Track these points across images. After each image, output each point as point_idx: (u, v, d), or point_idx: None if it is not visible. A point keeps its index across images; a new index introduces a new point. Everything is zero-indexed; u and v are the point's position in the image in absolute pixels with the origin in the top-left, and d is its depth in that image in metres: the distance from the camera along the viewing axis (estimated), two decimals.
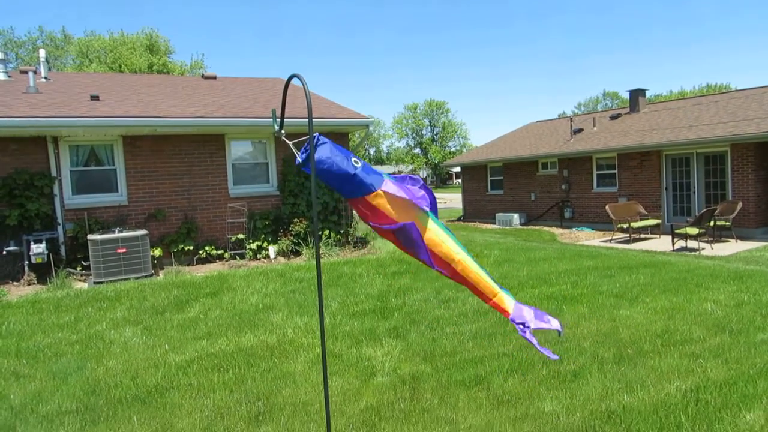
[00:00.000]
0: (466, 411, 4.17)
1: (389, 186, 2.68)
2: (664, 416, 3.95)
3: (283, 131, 2.60)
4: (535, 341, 2.90)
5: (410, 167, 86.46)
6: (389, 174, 2.87)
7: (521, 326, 2.93)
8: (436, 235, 2.95)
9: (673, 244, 13.59)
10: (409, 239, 2.82)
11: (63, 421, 4.27)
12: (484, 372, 4.90)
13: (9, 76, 14.08)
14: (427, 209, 2.96)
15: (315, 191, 2.35)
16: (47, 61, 44.12)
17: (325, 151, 2.44)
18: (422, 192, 2.90)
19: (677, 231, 13.34)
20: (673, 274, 8.91)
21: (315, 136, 2.37)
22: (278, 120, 2.59)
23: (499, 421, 3.97)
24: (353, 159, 2.55)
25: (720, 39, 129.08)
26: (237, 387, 4.81)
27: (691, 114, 18.59)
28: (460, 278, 3.01)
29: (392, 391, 4.59)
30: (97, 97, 12.12)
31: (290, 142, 2.52)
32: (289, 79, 2.33)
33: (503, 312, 2.99)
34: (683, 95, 67.08)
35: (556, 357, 3.04)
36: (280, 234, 12.54)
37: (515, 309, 3.01)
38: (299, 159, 2.48)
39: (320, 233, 12.71)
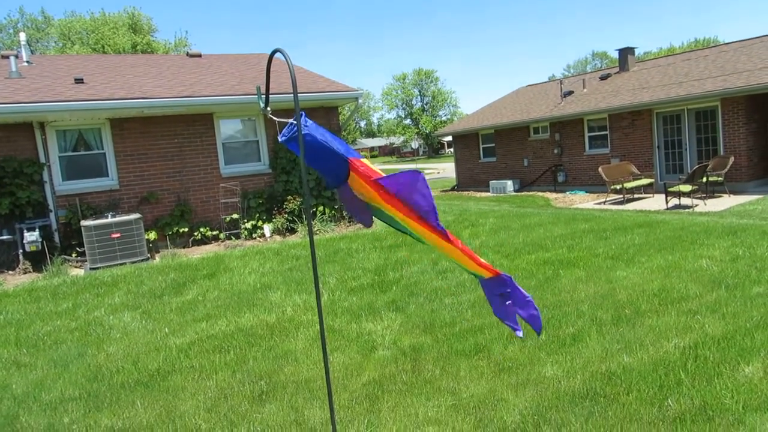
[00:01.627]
0: (468, 380, 4.20)
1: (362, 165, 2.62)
2: (663, 374, 3.99)
3: (268, 108, 2.54)
4: (529, 298, 2.91)
5: (402, 138, 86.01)
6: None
7: (507, 291, 2.88)
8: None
9: (667, 203, 13.63)
10: (419, 191, 2.58)
11: (66, 408, 4.29)
12: (484, 340, 4.93)
13: None
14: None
15: (305, 169, 2.30)
16: (29, 44, 43.11)
17: (314, 131, 2.39)
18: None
19: (670, 189, 13.36)
20: (668, 233, 8.94)
21: (302, 113, 2.31)
22: (263, 97, 2.52)
23: (500, 388, 4.01)
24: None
25: None
26: (239, 367, 4.83)
27: (681, 70, 18.47)
28: (456, 243, 2.83)
29: (393, 364, 4.61)
30: (82, 79, 11.91)
31: (277, 120, 2.46)
32: (272, 54, 2.26)
33: (494, 271, 2.89)
34: (672, 51, 66.54)
35: (521, 334, 3.01)
36: (274, 212, 12.49)
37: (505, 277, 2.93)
38: (282, 137, 2.43)
39: (314, 209, 12.67)
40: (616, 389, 3.84)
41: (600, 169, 15.94)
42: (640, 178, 16.31)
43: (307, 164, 2.52)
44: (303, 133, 2.34)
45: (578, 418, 3.53)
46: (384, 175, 2.64)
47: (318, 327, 5.65)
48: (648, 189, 16.45)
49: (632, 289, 6.03)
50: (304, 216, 12.41)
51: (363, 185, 2.61)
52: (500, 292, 2.91)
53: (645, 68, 21.04)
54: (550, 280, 6.71)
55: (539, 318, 2.91)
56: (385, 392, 4.13)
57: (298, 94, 12.32)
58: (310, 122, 2.46)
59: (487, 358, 4.56)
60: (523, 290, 2.90)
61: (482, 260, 2.88)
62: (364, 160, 2.65)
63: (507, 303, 2.92)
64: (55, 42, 45.11)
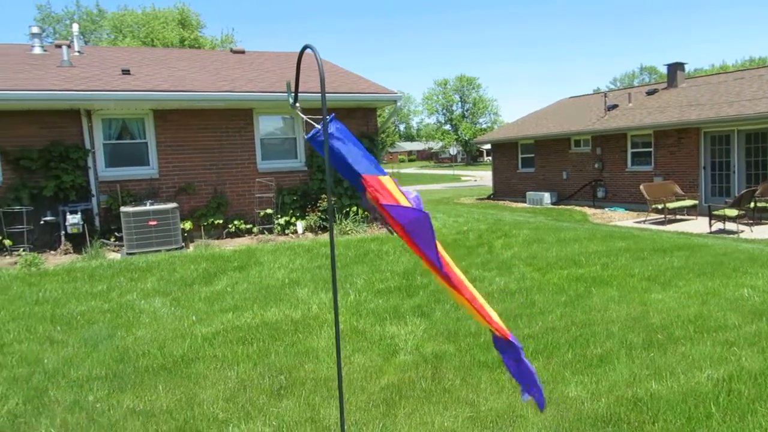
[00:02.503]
0: (488, 393, 4.13)
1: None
2: (693, 406, 3.84)
3: (297, 104, 2.54)
4: (533, 372, 2.71)
5: (440, 144, 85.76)
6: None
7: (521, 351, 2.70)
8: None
9: (711, 226, 13.20)
10: (421, 231, 2.49)
11: (92, 386, 4.38)
12: None
13: (44, 50, 14.29)
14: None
15: (329, 166, 2.29)
16: (83, 35, 44.58)
17: (340, 133, 2.37)
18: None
19: (715, 212, 12.95)
20: (709, 258, 8.65)
21: (331, 116, 2.30)
22: (293, 93, 2.52)
23: (520, 404, 3.92)
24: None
25: (763, 7, 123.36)
26: (260, 360, 4.86)
27: (733, 89, 17.89)
28: (464, 292, 2.65)
29: (414, 369, 4.57)
30: (128, 71, 12.23)
31: (305, 117, 2.46)
32: (302, 50, 2.26)
33: (504, 333, 2.68)
34: (725, 69, 64.58)
35: (542, 406, 2.81)
36: (307, 209, 12.58)
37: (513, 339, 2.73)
38: (311, 132, 2.41)
39: (348, 209, 12.71)
40: (642, 417, 3.71)
41: (642, 187, 15.56)
42: (684, 199, 15.86)
43: (332, 165, 2.50)
44: (333, 130, 2.32)
45: None
46: (394, 197, 2.54)
47: (342, 326, 5.65)
48: (691, 211, 15.97)
49: (667, 314, 5.84)
50: (337, 215, 12.47)
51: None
52: (512, 357, 2.75)
53: (695, 85, 20.47)
54: (581, 297, 6.56)
55: (541, 395, 2.76)
56: (402, 398, 4.09)
57: (338, 94, 12.38)
58: (338, 125, 2.44)
59: (509, 372, 4.47)
60: (529, 364, 2.72)
61: (492, 316, 2.65)
62: (384, 179, 2.57)
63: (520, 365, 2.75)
64: (108, 34, 46.55)
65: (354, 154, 2.52)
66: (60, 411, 3.98)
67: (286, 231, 12.31)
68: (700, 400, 3.91)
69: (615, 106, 21.34)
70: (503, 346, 2.73)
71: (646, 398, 3.96)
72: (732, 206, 12.77)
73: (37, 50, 14.04)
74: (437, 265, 2.50)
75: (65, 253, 10.40)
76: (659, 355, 4.75)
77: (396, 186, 2.61)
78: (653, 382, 4.21)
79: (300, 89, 2.67)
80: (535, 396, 2.74)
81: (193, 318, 6.09)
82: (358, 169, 2.47)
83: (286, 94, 11.95)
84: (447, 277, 2.55)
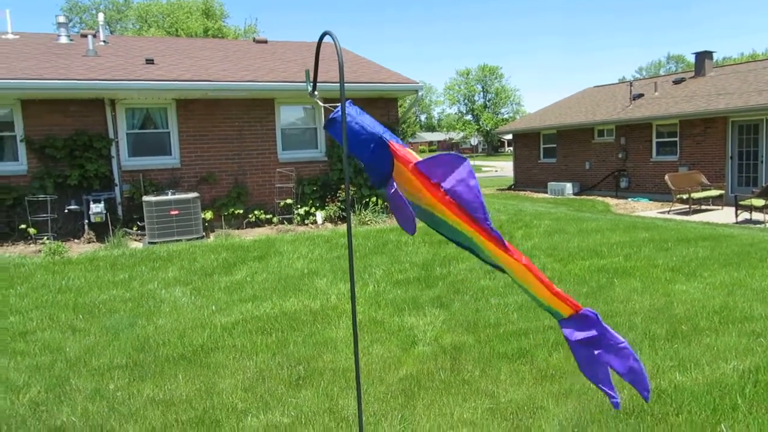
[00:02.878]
0: (508, 384, 4.08)
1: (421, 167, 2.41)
2: (718, 397, 3.75)
3: (316, 93, 2.51)
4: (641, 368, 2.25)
5: (461, 134, 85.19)
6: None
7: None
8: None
9: (737, 216, 12.91)
10: (463, 185, 2.26)
11: (113, 375, 4.43)
12: (528, 345, 4.78)
13: (71, 40, 14.45)
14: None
15: (346, 158, 2.25)
16: (108, 25, 45.03)
17: (355, 118, 2.30)
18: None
19: (741, 202, 12.66)
20: (735, 248, 8.45)
21: (348, 101, 2.24)
22: (312, 82, 2.48)
23: (541, 396, 3.87)
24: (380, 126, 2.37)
25: None
26: (279, 350, 4.86)
27: (762, 77, 17.42)
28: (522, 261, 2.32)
29: (433, 360, 4.54)
30: (152, 60, 12.31)
31: (324, 104, 2.42)
32: (321, 36, 2.22)
33: (573, 305, 2.27)
34: (754, 58, 62.93)
35: (617, 402, 2.35)
36: (327, 200, 12.58)
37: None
38: (330, 116, 2.33)
39: (367, 200, 12.69)
40: (666, 408, 3.64)
41: (666, 177, 15.27)
42: (709, 189, 15.53)
43: (351, 153, 2.40)
44: (351, 113, 2.27)
45: None
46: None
47: (360, 317, 5.64)
48: (717, 201, 15.64)
49: (691, 305, 5.72)
50: (357, 205, 12.45)
51: (406, 176, 2.39)
52: (584, 338, 2.26)
53: (723, 74, 19.98)
54: (603, 288, 6.46)
55: (644, 373, 2.23)
56: (421, 389, 4.07)
57: (359, 84, 12.31)
58: (355, 108, 2.38)
59: (529, 364, 4.42)
60: (615, 333, 2.25)
61: (555, 287, 2.25)
62: (408, 149, 2.48)
63: (596, 353, 2.27)
64: (133, 24, 47.05)
65: (373, 128, 2.38)
66: (81, 399, 4.03)
67: (306, 221, 12.34)
68: (726, 392, 3.82)
69: (640, 95, 20.94)
70: (574, 325, 2.27)
71: (669, 390, 3.88)
72: (759, 196, 12.46)
73: (63, 39, 14.20)
74: (484, 224, 2.22)
75: (88, 242, 10.56)
76: (683, 346, 4.65)
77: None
78: (677, 374, 4.12)
79: (320, 79, 2.63)
80: (637, 379, 2.25)
81: (213, 308, 6.13)
82: (383, 134, 2.32)
83: (306, 83, 11.93)
84: (497, 239, 2.25)
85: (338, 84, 10.49)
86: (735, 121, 16.17)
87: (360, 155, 2.41)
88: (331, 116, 2.31)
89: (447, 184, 2.23)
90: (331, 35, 2.09)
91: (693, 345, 4.66)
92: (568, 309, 2.25)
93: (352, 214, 12.29)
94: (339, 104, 2.21)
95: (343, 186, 12.46)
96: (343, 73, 2.07)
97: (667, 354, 4.49)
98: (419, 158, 2.34)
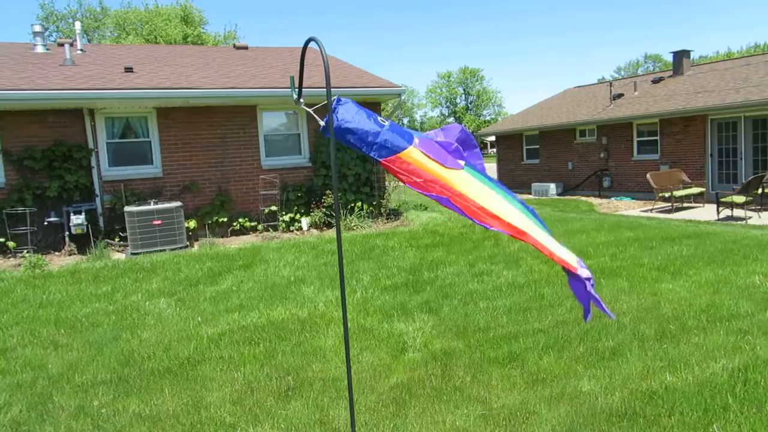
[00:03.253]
0: (499, 389, 4.05)
1: (421, 146, 2.50)
2: (709, 397, 3.76)
3: (302, 100, 2.46)
4: (599, 299, 2.76)
5: None
6: (419, 133, 2.67)
7: (589, 281, 2.74)
8: (479, 198, 2.72)
9: (718, 213, 13.07)
10: (452, 207, 2.66)
11: (97, 391, 4.33)
12: (518, 349, 4.76)
13: (47, 49, 14.22)
14: (463, 164, 2.73)
15: (334, 156, 2.21)
16: (86, 34, 44.43)
17: (349, 111, 2.28)
18: (455, 145, 2.68)
19: (723, 199, 12.81)
20: (719, 245, 8.53)
21: (335, 99, 2.21)
22: (296, 89, 2.43)
23: (533, 401, 3.85)
24: (379, 118, 2.38)
25: None
26: (267, 361, 4.79)
27: (739, 75, 17.70)
28: (519, 236, 2.80)
29: (423, 367, 4.50)
30: (131, 68, 12.16)
31: (310, 109, 2.37)
32: (306, 43, 2.18)
33: (570, 267, 2.80)
34: (730, 56, 63.96)
35: (613, 316, 2.99)
36: (312, 206, 12.50)
37: (579, 263, 2.83)
38: (322, 124, 2.32)
39: (353, 205, 12.63)
40: (657, 410, 3.63)
41: (648, 176, 15.42)
42: (690, 187, 15.71)
43: (353, 145, 2.42)
44: (348, 117, 2.24)
45: None
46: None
47: (349, 325, 5.58)
48: (698, 198, 15.83)
49: (678, 304, 5.75)
50: (342, 210, 12.39)
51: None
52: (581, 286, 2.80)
53: (701, 72, 20.25)
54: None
55: (588, 307, 2.91)
56: (412, 396, 4.02)
57: (342, 88, 12.27)
58: (348, 100, 2.35)
59: (520, 368, 4.40)
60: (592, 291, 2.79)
61: (555, 251, 2.72)
62: (410, 151, 2.49)
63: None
64: (111, 32, 46.47)
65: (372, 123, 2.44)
66: (64, 418, 3.93)
67: (291, 228, 12.25)
68: (716, 391, 3.83)
69: (620, 95, 21.15)
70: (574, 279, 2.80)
71: (660, 391, 3.88)
72: (739, 193, 12.63)
73: (40, 49, 13.97)
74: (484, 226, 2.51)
75: (70, 254, 10.37)
76: (672, 346, 4.66)
77: (426, 147, 2.63)
78: (667, 374, 4.13)
79: (303, 84, 2.58)
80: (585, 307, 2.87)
81: (199, 319, 6.03)
82: (377, 153, 2.39)
83: (289, 89, 11.88)
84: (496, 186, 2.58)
85: (321, 89, 10.45)
86: (714, 119, 16.39)
87: (365, 148, 2.45)
88: (335, 124, 2.29)
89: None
90: (316, 41, 2.05)
91: (682, 344, 4.68)
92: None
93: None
94: (326, 105, 2.17)
95: (327, 191, 12.40)
96: (330, 80, 2.03)
97: (657, 354, 4.50)
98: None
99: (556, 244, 2.78)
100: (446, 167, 2.51)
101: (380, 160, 2.47)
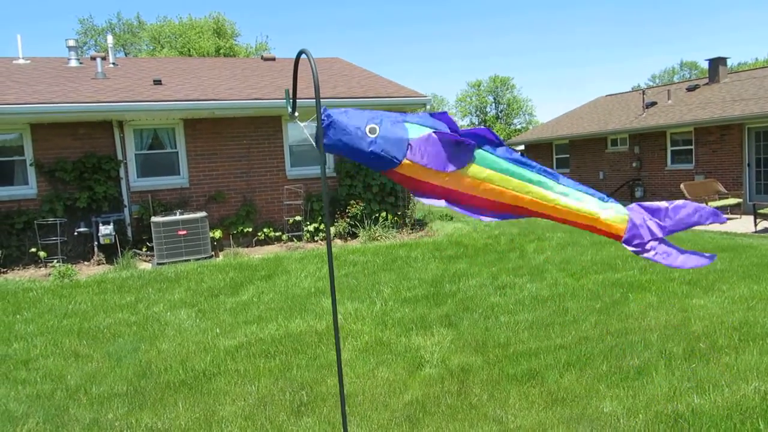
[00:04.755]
0: (517, 409, 3.92)
1: (415, 155, 2.40)
2: (739, 422, 3.56)
3: (296, 113, 2.41)
4: (673, 257, 2.59)
5: None
6: (417, 121, 2.57)
7: (640, 248, 2.56)
8: (492, 181, 2.57)
9: (756, 225, 12.59)
10: (460, 210, 2.57)
11: (112, 404, 4.34)
12: (538, 366, 4.61)
13: (81, 63, 14.61)
14: (467, 159, 2.56)
15: (324, 169, 2.15)
16: (123, 47, 45.47)
17: (335, 134, 2.22)
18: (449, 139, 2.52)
19: (760, 211, 12.34)
20: (755, 259, 8.20)
21: (324, 112, 2.15)
22: (291, 101, 2.38)
23: (551, 422, 3.71)
24: (368, 127, 2.28)
25: None
26: (282, 375, 4.74)
27: None
28: (545, 215, 2.66)
29: (440, 384, 4.39)
30: (160, 81, 12.38)
31: (302, 124, 2.33)
32: (298, 55, 2.13)
33: (613, 236, 2.62)
34: None
35: (709, 259, 2.66)
36: (336, 216, 12.49)
37: (629, 228, 2.62)
38: (312, 142, 2.28)
39: (377, 215, 12.58)
40: None
41: (682, 186, 14.99)
42: (727, 198, 15.21)
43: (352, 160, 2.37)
44: (334, 140, 2.18)
45: None
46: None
47: (367, 338, 5.50)
48: (735, 209, 15.30)
49: (709, 321, 5.51)
50: (366, 220, 12.35)
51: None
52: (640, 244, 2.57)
53: (738, 80, 19.66)
54: (617, 303, 6.26)
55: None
56: (427, 414, 3.92)
57: (367, 98, 12.26)
58: (333, 116, 2.28)
59: (540, 386, 4.25)
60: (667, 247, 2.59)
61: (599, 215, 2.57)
62: (404, 166, 2.40)
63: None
64: (147, 45, 47.66)
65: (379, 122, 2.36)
66: (78, 430, 3.94)
67: (315, 238, 12.25)
68: (747, 416, 3.63)
69: (654, 104, 20.67)
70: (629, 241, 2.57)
71: (687, 414, 3.70)
72: None
73: (74, 63, 14.37)
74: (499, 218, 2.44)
75: (98, 264, 10.55)
76: (701, 366, 4.45)
77: (422, 150, 2.52)
78: (695, 396, 3.94)
79: (305, 96, 2.53)
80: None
81: (217, 330, 6.03)
82: (381, 162, 2.31)
83: (312, 100, 11.91)
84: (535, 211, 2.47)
85: (342, 99, 10.42)
86: (751, 127, 15.86)
87: (362, 162, 2.38)
88: (327, 141, 2.23)
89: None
90: (306, 54, 2.00)
91: (711, 364, 4.46)
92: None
93: (361, 229, 12.17)
94: (318, 125, 2.11)
95: (352, 201, 12.36)
96: (319, 92, 1.97)
97: (684, 374, 4.30)
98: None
99: (596, 205, 2.58)
100: (447, 172, 2.40)
101: (385, 170, 2.39)
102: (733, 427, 3.51)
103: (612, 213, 2.54)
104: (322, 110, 2.16)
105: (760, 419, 3.58)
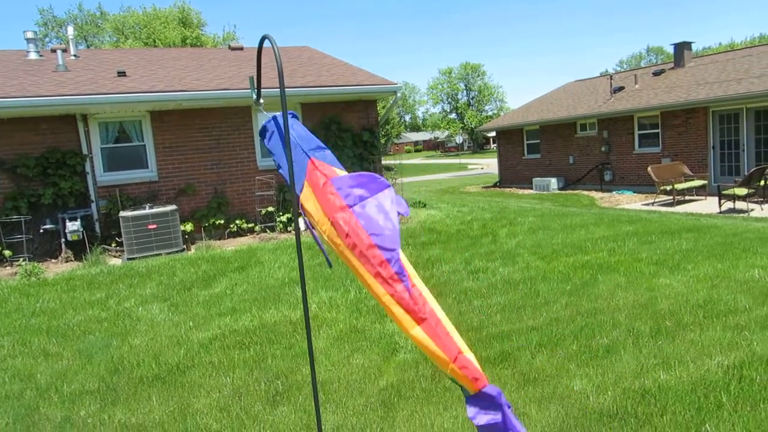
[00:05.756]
0: None
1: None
2: (703, 395, 3.67)
3: (261, 101, 2.40)
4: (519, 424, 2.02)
5: (446, 133, 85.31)
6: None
7: (506, 406, 2.02)
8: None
9: (720, 206, 12.94)
10: (380, 210, 2.16)
11: (84, 401, 4.28)
12: (510, 348, 4.69)
13: (40, 56, 14.19)
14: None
15: (290, 164, 2.14)
16: (85, 39, 44.35)
17: (274, 144, 2.19)
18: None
19: (724, 192, 12.68)
20: (719, 239, 8.43)
21: (271, 119, 2.12)
22: (255, 89, 2.37)
23: (524, 401, 3.78)
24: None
25: None
26: (257, 365, 4.73)
27: (741, 66, 17.53)
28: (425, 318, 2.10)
29: (414, 368, 4.43)
30: (124, 73, 12.12)
31: (266, 113, 2.31)
32: (261, 41, 2.11)
33: (475, 380, 2.00)
34: (732, 47, 63.48)
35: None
36: None
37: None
38: (265, 141, 2.21)
39: None
40: (650, 410, 3.55)
41: (649, 169, 15.29)
42: (692, 180, 15.58)
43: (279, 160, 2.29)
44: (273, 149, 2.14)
45: None
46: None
47: (341, 326, 5.52)
48: (700, 191, 15.69)
49: (675, 299, 5.66)
50: None
51: (312, 201, 2.18)
52: (488, 423, 1.99)
53: (702, 64, 20.09)
54: (587, 285, 6.38)
55: None
56: (402, 399, 3.96)
57: (337, 87, 12.18)
58: (291, 118, 2.24)
59: (512, 368, 4.33)
60: (516, 421, 2.02)
61: (465, 357, 1.98)
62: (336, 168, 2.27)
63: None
64: (110, 36, 46.52)
65: (302, 140, 2.26)
66: (50, 429, 3.88)
67: (289, 228, 12.19)
68: (710, 390, 3.75)
69: (621, 88, 21.01)
70: (479, 402, 2.00)
71: (653, 389, 3.80)
72: (741, 185, 12.50)
73: (33, 56, 13.95)
74: (397, 273, 2.04)
75: (66, 261, 10.34)
76: (667, 343, 4.58)
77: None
78: (661, 372, 4.05)
79: (273, 86, 2.51)
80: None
81: (190, 323, 5.98)
82: (308, 152, 2.20)
83: (250, 90, 11.80)
84: (410, 297, 2.03)
85: (319, 88, 10.33)
86: (715, 110, 16.23)
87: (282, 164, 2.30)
88: (264, 123, 2.20)
89: (360, 208, 2.03)
90: (269, 39, 1.98)
91: (677, 341, 4.59)
92: (472, 385, 1.97)
93: None
94: (276, 113, 2.10)
95: None
96: (283, 79, 1.96)
97: (651, 352, 4.42)
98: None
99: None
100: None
101: (311, 158, 2.28)
102: (697, 400, 3.62)
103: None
104: (270, 117, 2.13)
105: (722, 392, 3.69)
